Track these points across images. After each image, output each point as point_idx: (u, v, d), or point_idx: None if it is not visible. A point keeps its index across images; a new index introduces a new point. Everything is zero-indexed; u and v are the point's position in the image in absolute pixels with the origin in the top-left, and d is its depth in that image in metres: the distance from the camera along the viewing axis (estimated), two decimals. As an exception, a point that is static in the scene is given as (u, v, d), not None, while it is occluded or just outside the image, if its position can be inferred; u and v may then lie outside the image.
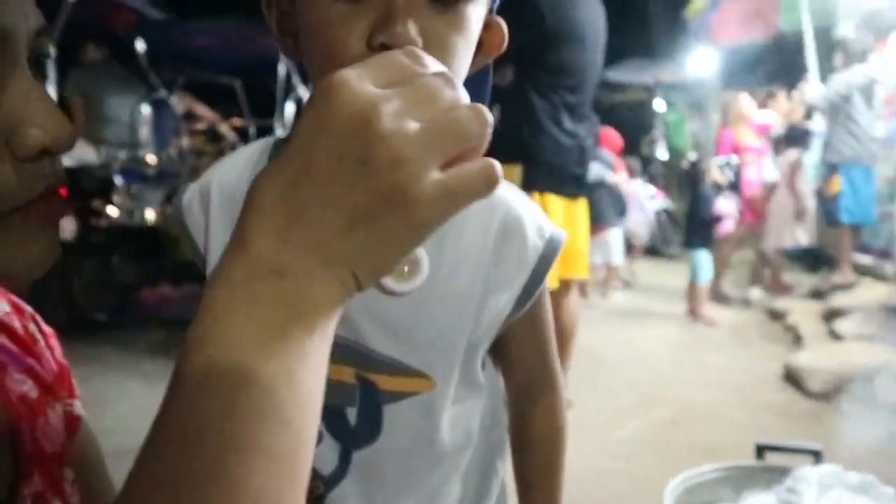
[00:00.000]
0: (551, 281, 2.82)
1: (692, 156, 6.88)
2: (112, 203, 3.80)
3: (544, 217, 0.69)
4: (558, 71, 2.74)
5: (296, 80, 4.92)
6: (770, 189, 5.64)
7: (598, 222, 5.86)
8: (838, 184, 4.72)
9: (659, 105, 9.17)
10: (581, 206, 2.98)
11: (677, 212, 7.48)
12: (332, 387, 0.60)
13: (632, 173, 6.94)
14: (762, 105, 6.47)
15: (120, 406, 2.57)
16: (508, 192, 0.67)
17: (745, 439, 1.40)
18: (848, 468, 1.11)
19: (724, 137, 6.34)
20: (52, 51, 0.46)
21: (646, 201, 7.03)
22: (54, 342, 0.62)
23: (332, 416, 0.64)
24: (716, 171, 5.49)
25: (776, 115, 6.21)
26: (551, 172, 2.77)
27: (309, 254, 0.33)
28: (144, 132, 4.35)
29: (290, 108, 5.05)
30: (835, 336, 3.86)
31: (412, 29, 0.50)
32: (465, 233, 0.64)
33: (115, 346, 3.55)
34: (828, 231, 5.25)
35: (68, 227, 3.63)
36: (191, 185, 0.68)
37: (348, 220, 0.33)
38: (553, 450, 0.75)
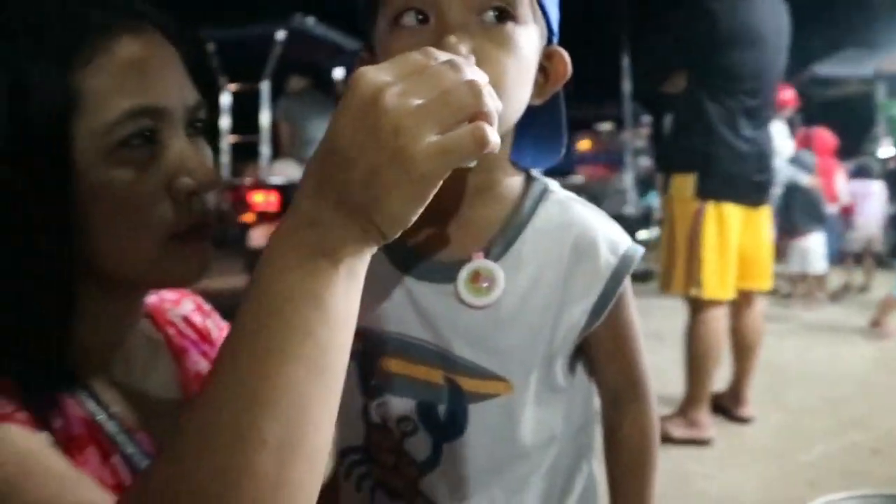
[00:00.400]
0: (726, 292, 2.70)
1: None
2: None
3: (621, 234, 0.72)
4: (734, 75, 2.64)
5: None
6: None
7: (792, 228, 5.43)
8: None
9: (881, 98, 8.23)
10: (763, 214, 2.83)
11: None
12: (425, 386, 0.69)
13: (864, 174, 6.30)
14: None
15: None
16: (585, 212, 0.71)
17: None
18: None
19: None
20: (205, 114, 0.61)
21: (882, 204, 6.32)
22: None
23: (424, 411, 0.70)
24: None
25: None
26: (728, 181, 2.68)
27: (335, 207, 0.42)
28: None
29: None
30: None
31: (463, 47, 0.56)
32: (541, 251, 0.69)
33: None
34: None
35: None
36: None
37: (363, 178, 0.41)
38: (640, 457, 0.77)
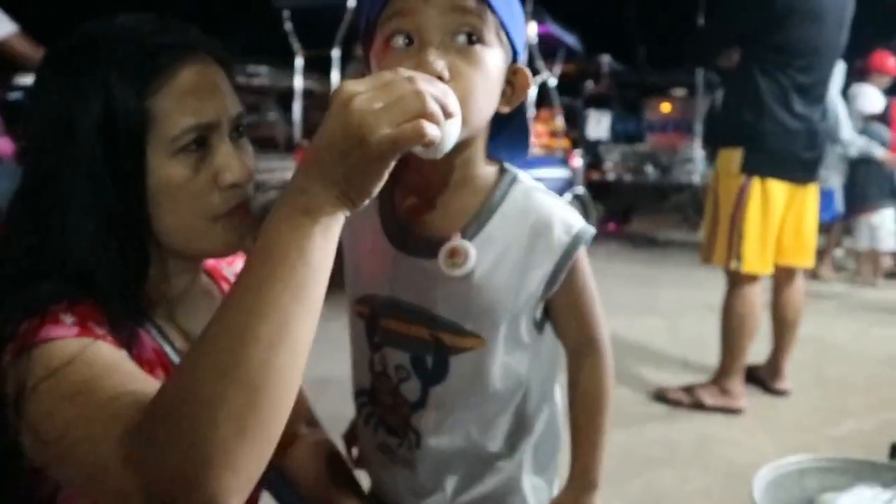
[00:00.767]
0: (765, 268, 2.75)
1: None
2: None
3: (576, 217, 0.87)
4: (789, 51, 2.64)
5: (539, 65, 5.20)
6: None
7: (861, 202, 5.27)
8: None
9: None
10: (811, 192, 2.85)
11: None
12: (416, 341, 0.88)
13: None
14: None
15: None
16: (544, 199, 0.86)
17: None
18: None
19: None
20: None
21: None
22: None
23: (416, 362, 0.87)
24: None
25: None
26: (775, 158, 2.70)
27: (318, 180, 0.57)
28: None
29: (532, 91, 5.35)
30: None
31: (439, 64, 0.71)
32: (507, 231, 0.84)
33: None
34: None
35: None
36: None
37: (337, 158, 0.56)
38: (594, 400, 0.92)
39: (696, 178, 7.34)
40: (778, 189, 2.72)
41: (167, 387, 0.56)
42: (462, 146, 0.77)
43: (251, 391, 0.53)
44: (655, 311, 4.52)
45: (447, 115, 0.61)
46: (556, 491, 0.97)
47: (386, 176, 0.59)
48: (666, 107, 8.58)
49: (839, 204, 5.45)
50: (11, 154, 2.49)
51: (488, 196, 0.85)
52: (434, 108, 0.58)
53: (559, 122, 5.83)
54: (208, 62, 0.74)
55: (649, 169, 7.79)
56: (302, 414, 0.99)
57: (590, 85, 8.47)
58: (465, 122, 0.69)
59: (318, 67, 5.16)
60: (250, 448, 0.53)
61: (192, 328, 0.81)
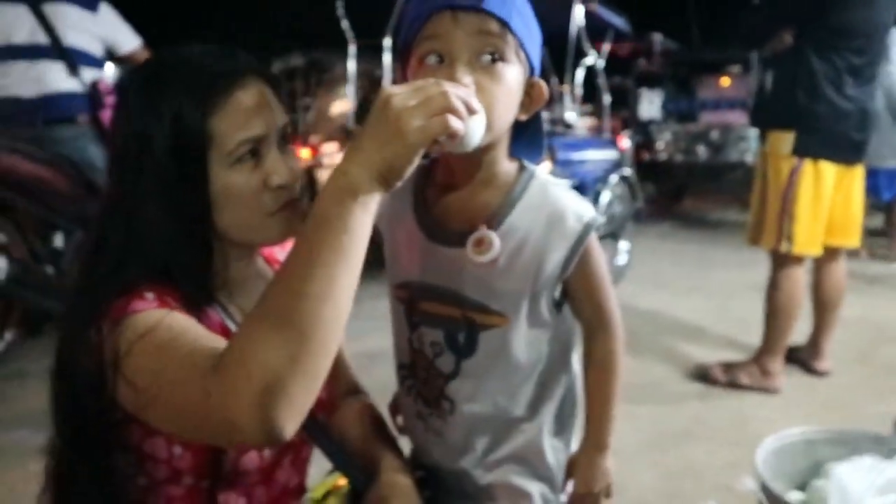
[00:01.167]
0: (816, 249, 2.79)
1: None
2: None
3: (585, 206, 0.98)
4: (844, 32, 2.66)
5: (586, 47, 5.23)
6: None
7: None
8: None
9: None
10: (858, 173, 2.88)
11: None
12: (449, 320, 1.03)
13: None
14: None
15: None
16: (558, 192, 0.98)
17: None
18: None
19: None
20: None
21: None
22: None
23: (449, 338, 0.99)
24: None
25: None
26: (827, 139, 2.73)
27: (359, 164, 0.70)
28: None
29: (580, 74, 5.40)
30: None
31: (466, 79, 0.84)
32: (526, 222, 0.96)
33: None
34: None
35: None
36: None
37: (377, 146, 0.70)
38: (606, 372, 1.02)
39: (749, 157, 7.22)
40: (829, 170, 2.75)
41: (236, 334, 0.70)
42: (487, 148, 0.92)
43: (303, 336, 0.67)
44: (703, 291, 4.55)
45: (471, 111, 0.76)
46: (573, 450, 1.08)
47: (416, 162, 0.73)
48: (725, 81, 8.41)
49: None
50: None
51: (509, 191, 0.97)
52: (457, 104, 0.72)
53: (605, 103, 5.83)
54: (258, 83, 0.88)
55: (701, 148, 7.70)
56: (346, 383, 1.14)
57: (642, 63, 8.38)
58: (488, 128, 0.84)
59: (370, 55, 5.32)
60: (302, 381, 0.67)
61: (250, 307, 0.96)
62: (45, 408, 0.86)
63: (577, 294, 1.01)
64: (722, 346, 3.43)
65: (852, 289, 3.39)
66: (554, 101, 5.34)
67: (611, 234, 4.69)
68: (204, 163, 0.84)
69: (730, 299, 4.32)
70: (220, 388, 0.67)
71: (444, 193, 1.00)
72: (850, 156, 2.80)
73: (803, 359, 3.10)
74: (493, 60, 0.87)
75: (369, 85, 5.54)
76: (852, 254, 4.01)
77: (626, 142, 5.91)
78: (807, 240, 2.76)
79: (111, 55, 3.14)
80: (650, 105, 8.23)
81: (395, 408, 1.18)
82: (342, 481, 1.06)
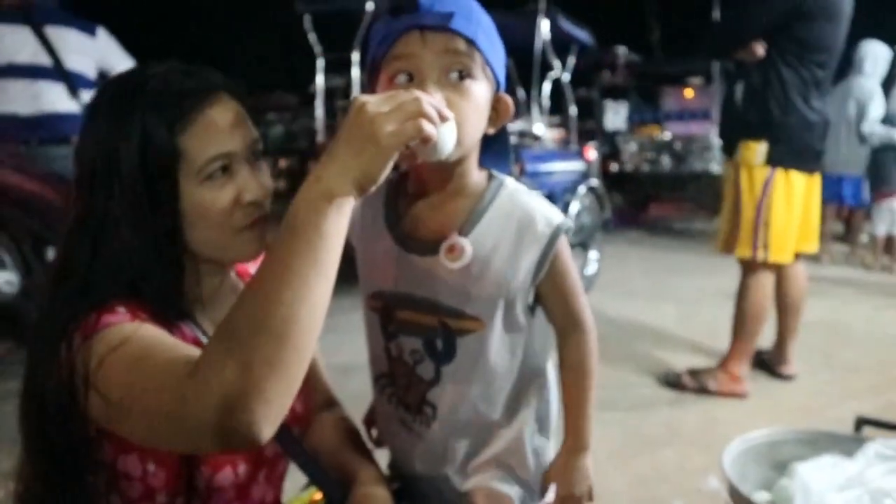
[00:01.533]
0: (787, 255, 2.84)
1: None
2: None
3: (554, 212, 1.00)
4: (812, 47, 2.74)
5: (552, 60, 5.31)
6: None
7: (883, 188, 5.33)
8: None
9: None
10: (816, 180, 2.96)
11: None
12: (426, 328, 1.04)
13: None
14: None
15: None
16: (527, 199, 1.00)
17: None
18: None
19: None
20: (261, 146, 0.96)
21: None
22: None
23: (428, 345, 1.01)
24: None
25: None
26: (797, 150, 2.81)
27: (333, 170, 0.72)
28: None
29: (546, 86, 5.48)
30: None
31: (436, 96, 0.86)
32: (496, 228, 0.98)
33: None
34: None
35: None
36: None
37: (352, 152, 0.72)
38: (580, 371, 1.03)
39: (715, 167, 7.38)
40: (798, 179, 2.83)
41: (212, 341, 0.71)
42: (457, 161, 0.94)
43: (278, 340, 0.68)
44: (671, 298, 4.63)
45: (442, 118, 0.78)
46: (552, 454, 1.10)
47: (390, 167, 0.75)
48: (689, 93, 8.60)
49: (866, 191, 5.54)
50: None
51: (479, 199, 0.99)
52: (429, 110, 0.75)
53: (572, 114, 5.93)
54: (226, 100, 0.89)
55: (666, 159, 7.85)
56: (322, 396, 1.15)
57: (606, 76, 8.52)
58: (459, 143, 0.86)
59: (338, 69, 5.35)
60: (279, 384, 0.68)
61: None
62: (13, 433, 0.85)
63: (549, 298, 1.03)
64: (690, 351, 3.49)
65: (814, 293, 3.48)
66: (521, 113, 5.41)
67: (580, 244, 4.75)
68: (174, 180, 0.84)
69: (697, 305, 4.40)
70: (197, 392, 0.67)
71: (415, 204, 1.02)
72: (813, 164, 2.89)
73: (770, 363, 3.17)
74: (461, 77, 0.90)
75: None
76: (813, 258, 4.12)
77: (592, 153, 6.00)
78: (781, 247, 2.84)
79: (103, 77, 3.20)
80: (615, 116, 8.36)
81: (370, 421, 1.19)
82: (318, 495, 1.07)
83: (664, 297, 4.69)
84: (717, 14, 7.39)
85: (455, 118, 0.83)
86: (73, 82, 3.01)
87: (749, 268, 2.92)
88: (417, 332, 1.02)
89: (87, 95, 3.05)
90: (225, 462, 0.90)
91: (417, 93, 0.76)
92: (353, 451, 1.06)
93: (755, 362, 3.11)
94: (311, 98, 5.69)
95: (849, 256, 5.97)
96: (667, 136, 8.07)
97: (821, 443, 1.37)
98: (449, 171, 0.97)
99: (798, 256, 3.04)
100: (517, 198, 1.01)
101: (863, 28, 3.26)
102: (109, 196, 0.84)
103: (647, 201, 8.61)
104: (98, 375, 0.75)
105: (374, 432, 1.18)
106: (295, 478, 1.07)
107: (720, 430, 2.56)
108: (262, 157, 0.95)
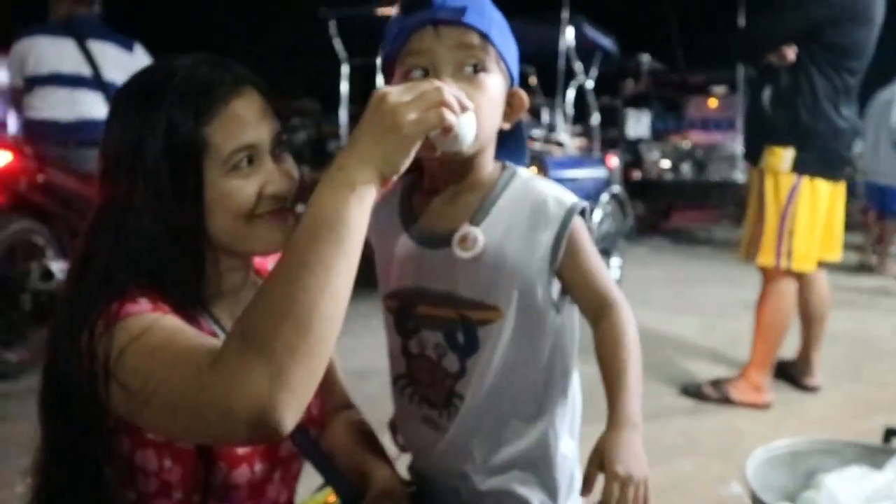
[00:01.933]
0: (810, 264, 2.78)
1: None
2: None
3: (566, 193, 0.99)
4: (844, 53, 2.71)
5: (577, 67, 5.29)
6: None
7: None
8: None
9: None
10: (842, 188, 2.92)
11: None
12: (446, 321, 1.03)
13: None
14: None
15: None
16: (540, 184, 1.00)
17: None
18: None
19: None
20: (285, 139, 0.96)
21: None
22: None
23: (449, 338, 0.99)
24: None
25: None
26: (825, 157, 2.77)
27: (356, 159, 0.73)
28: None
29: (570, 94, 5.46)
30: None
31: (453, 89, 0.83)
32: (508, 214, 0.97)
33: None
34: None
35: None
36: None
37: (373, 140, 0.73)
38: (619, 357, 0.94)
39: (739, 176, 7.30)
40: (823, 188, 2.79)
41: (234, 329, 0.70)
42: (473, 156, 0.95)
43: (301, 328, 0.67)
44: (692, 308, 4.58)
45: (463, 108, 0.79)
46: (580, 462, 1.03)
47: (412, 155, 0.75)
48: (713, 102, 8.53)
49: None
50: None
51: (491, 189, 0.99)
52: (450, 98, 0.75)
53: (595, 122, 5.90)
54: (251, 93, 0.89)
55: (690, 167, 7.79)
56: (338, 397, 1.14)
57: (629, 84, 8.48)
58: (476, 135, 0.86)
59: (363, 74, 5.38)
60: (302, 372, 0.67)
61: None
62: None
63: (572, 282, 0.99)
64: (711, 361, 3.45)
65: (839, 303, 3.42)
66: (546, 120, 5.40)
67: (603, 251, 4.72)
68: (199, 171, 0.85)
69: (718, 315, 4.35)
70: (218, 381, 0.67)
71: (429, 199, 1.02)
72: (839, 172, 2.85)
73: (793, 374, 3.11)
74: (476, 71, 0.91)
75: None
76: (837, 268, 4.05)
77: (614, 160, 5.97)
78: (805, 256, 2.79)
79: None
80: (638, 124, 8.31)
81: (395, 426, 1.17)
82: (332, 497, 1.06)
83: (685, 306, 4.64)
84: (742, 22, 7.31)
85: (475, 117, 0.84)
86: (110, 92, 3.18)
87: (771, 276, 2.87)
88: (438, 325, 1.01)
89: None
90: (241, 459, 0.89)
91: (438, 82, 0.76)
92: (369, 453, 1.06)
93: (778, 373, 3.06)
94: (335, 104, 5.73)
95: (877, 267, 5.87)
96: (689, 144, 8.01)
97: (847, 454, 1.34)
98: (465, 166, 0.97)
99: (820, 265, 2.99)
100: (529, 184, 1.01)
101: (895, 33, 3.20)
102: (133, 187, 0.85)
103: (669, 210, 8.54)
104: (118, 364, 0.76)
105: (400, 438, 1.16)
106: (306, 482, 1.06)
107: (740, 441, 2.52)
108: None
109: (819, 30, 2.66)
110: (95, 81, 3.23)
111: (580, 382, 1.09)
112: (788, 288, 2.86)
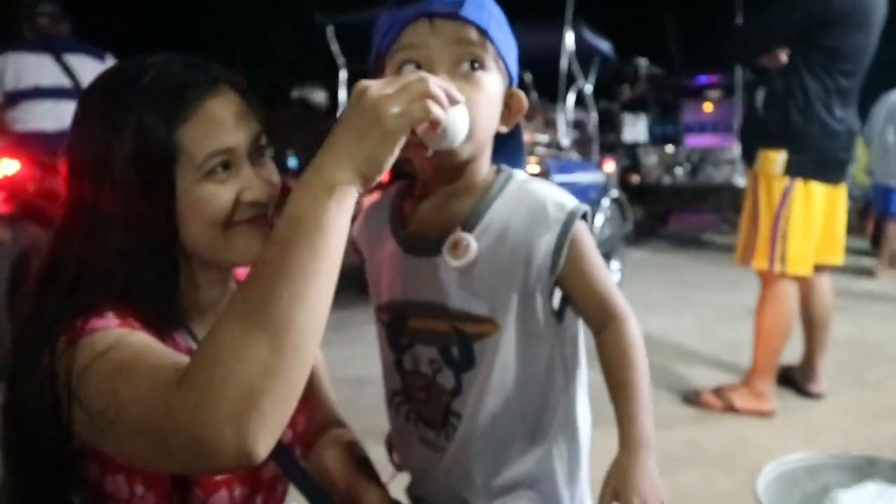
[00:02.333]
0: (808, 268, 2.75)
1: None
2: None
3: (566, 196, 0.93)
4: (838, 55, 2.67)
5: (576, 72, 5.25)
6: None
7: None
8: None
9: None
10: (841, 191, 2.87)
11: None
12: (439, 335, 0.95)
13: None
14: None
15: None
16: (538, 186, 0.93)
17: None
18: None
19: None
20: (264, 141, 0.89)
21: None
22: None
23: (444, 354, 0.93)
24: None
25: None
26: (817, 160, 2.73)
27: (333, 159, 0.66)
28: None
29: (570, 98, 5.41)
30: None
31: (443, 80, 0.78)
32: (503, 218, 0.90)
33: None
34: None
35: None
36: None
37: (354, 137, 0.66)
38: (624, 368, 0.88)
39: (738, 180, 7.27)
40: (818, 190, 2.74)
41: (203, 344, 0.64)
42: (468, 160, 0.88)
43: (276, 341, 0.61)
44: (691, 313, 4.53)
45: (452, 101, 0.72)
46: (586, 488, 1.00)
47: (396, 153, 0.68)
48: (708, 106, 8.52)
49: None
50: None
51: (485, 192, 0.92)
52: (437, 90, 0.69)
53: (593, 126, 5.87)
54: (228, 93, 0.83)
55: (687, 171, 7.75)
56: (325, 414, 1.07)
57: (626, 88, 8.45)
58: (471, 136, 0.80)
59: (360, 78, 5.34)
60: (276, 393, 0.61)
61: None
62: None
63: (574, 291, 0.93)
64: (711, 368, 3.39)
65: (841, 308, 3.37)
66: (548, 125, 5.36)
67: (603, 255, 4.67)
68: (171, 177, 0.79)
69: (716, 320, 4.30)
70: (187, 402, 0.61)
71: (421, 205, 0.95)
72: (836, 175, 2.80)
73: (797, 380, 3.06)
74: (473, 68, 0.85)
75: None
76: (838, 270, 4.01)
77: (609, 164, 5.93)
78: (799, 260, 2.74)
79: None
80: (634, 129, 8.28)
81: (391, 444, 1.11)
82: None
83: (684, 310, 4.59)
84: (738, 23, 7.28)
85: (467, 111, 0.77)
86: None
87: (768, 280, 2.83)
88: (432, 340, 0.94)
89: None
90: (220, 485, 0.83)
91: (424, 74, 0.69)
92: (359, 474, 0.99)
93: (782, 379, 3.00)
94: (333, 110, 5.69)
95: (877, 269, 5.83)
96: (686, 148, 7.98)
97: (862, 469, 1.27)
98: (459, 169, 0.90)
99: (822, 269, 2.94)
100: (527, 187, 0.94)
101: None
102: (100, 194, 0.78)
103: (666, 214, 8.51)
104: (80, 384, 0.69)
105: (396, 457, 1.09)
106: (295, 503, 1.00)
107: (746, 452, 2.47)
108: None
109: (812, 32, 2.63)
110: (76, 92, 3.30)
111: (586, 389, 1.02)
112: (787, 292, 2.80)
